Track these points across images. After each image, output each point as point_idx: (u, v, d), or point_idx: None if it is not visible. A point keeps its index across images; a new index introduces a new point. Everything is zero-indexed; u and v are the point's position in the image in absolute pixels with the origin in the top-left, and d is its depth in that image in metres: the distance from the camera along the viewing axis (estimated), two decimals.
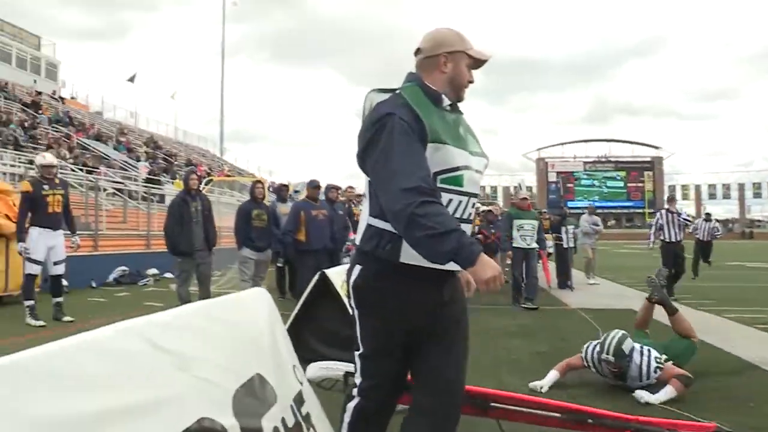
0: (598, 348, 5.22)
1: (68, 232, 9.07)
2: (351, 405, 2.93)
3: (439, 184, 2.61)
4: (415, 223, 2.41)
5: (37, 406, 1.76)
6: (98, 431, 1.95)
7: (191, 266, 9.48)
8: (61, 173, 12.07)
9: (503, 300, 10.49)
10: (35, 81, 42.89)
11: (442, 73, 2.76)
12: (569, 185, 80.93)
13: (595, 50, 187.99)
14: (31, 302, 8.60)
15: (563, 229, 14.12)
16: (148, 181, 23.10)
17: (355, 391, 2.88)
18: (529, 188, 74.80)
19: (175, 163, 37.03)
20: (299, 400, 3.58)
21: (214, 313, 3.22)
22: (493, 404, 4.11)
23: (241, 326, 3.34)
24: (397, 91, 2.75)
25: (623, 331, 5.26)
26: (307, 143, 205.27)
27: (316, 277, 6.50)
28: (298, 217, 9.43)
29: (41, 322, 8.49)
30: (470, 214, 2.77)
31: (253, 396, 3.03)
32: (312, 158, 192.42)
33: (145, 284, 14.35)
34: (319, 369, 4.39)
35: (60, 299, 8.99)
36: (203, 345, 2.83)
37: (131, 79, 53.28)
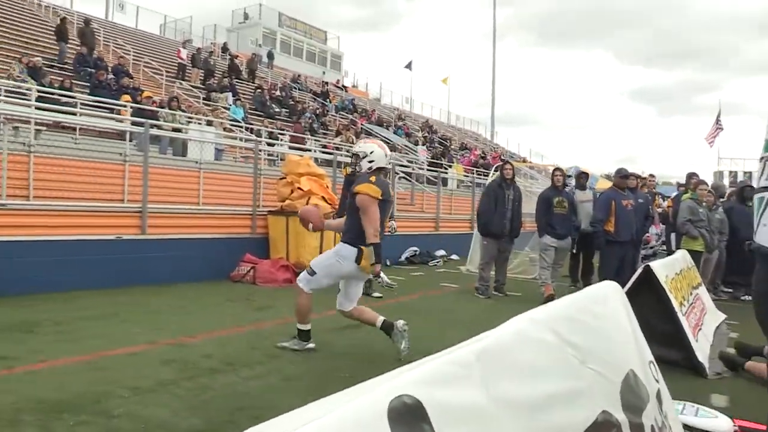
0: None
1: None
2: None
3: None
4: None
5: (503, 386, 1.88)
6: (542, 416, 2.04)
7: (495, 250, 9.90)
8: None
9: None
10: (323, 72, 46.24)
11: None
12: None
13: None
14: None
15: None
16: (431, 164, 23.96)
17: None
18: None
19: (451, 146, 37.93)
20: (659, 397, 3.47)
21: (588, 306, 3.20)
22: None
23: (609, 320, 3.28)
24: None
25: None
26: (576, 126, 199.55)
27: (640, 269, 6.34)
28: (609, 206, 9.20)
29: None
30: None
31: (632, 392, 2.97)
32: (582, 141, 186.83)
33: (435, 265, 14.88)
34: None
35: (370, 276, 9.55)
36: (590, 338, 2.81)
37: (408, 66, 55.62)
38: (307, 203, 10.59)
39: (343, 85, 46.17)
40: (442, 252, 15.83)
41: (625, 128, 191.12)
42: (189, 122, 15.56)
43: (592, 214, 9.61)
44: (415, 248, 15.13)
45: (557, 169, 10.56)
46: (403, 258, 14.71)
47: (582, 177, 11.71)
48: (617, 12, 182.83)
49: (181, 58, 26.20)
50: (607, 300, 3.58)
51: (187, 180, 11.58)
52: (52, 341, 5.75)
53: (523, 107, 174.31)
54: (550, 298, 9.47)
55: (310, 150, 17.68)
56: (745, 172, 50.26)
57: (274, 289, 9.72)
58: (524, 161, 41.92)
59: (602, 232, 9.22)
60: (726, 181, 34.78)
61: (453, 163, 29.11)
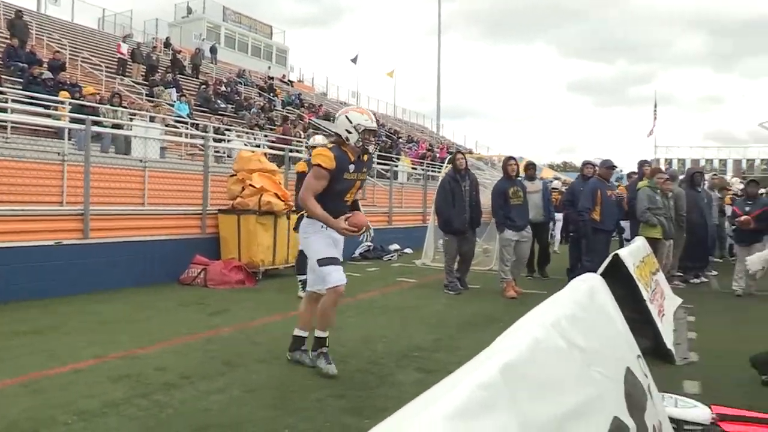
0: None
1: None
2: None
3: None
4: None
5: (530, 407, 1.71)
6: None
7: (456, 245, 9.67)
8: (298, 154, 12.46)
9: None
10: (269, 67, 45.52)
11: None
12: None
13: None
14: (304, 277, 8.89)
15: None
16: (380, 158, 23.68)
17: None
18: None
19: (399, 140, 37.74)
20: (650, 393, 3.28)
21: (582, 301, 2.98)
22: None
23: (600, 315, 3.08)
24: None
25: None
26: (519, 118, 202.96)
27: (609, 258, 6.19)
28: (596, 196, 9.12)
29: None
30: None
31: (633, 392, 2.81)
32: (524, 132, 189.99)
33: (389, 259, 14.59)
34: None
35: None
36: (590, 337, 2.60)
37: (354, 60, 55.14)
38: (259, 200, 10.22)
39: (289, 80, 45.62)
40: (396, 246, 15.56)
41: (565, 119, 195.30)
42: (132, 119, 14.98)
43: (580, 203, 9.44)
44: (369, 243, 14.80)
45: (510, 158, 10.00)
46: (356, 253, 14.36)
47: (530, 167, 11.55)
48: (557, 7, 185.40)
49: (122, 53, 25.37)
50: (594, 293, 3.35)
51: (132, 179, 11.09)
52: None
53: (467, 100, 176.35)
54: (513, 300, 9.20)
55: (259, 146, 17.22)
56: (679, 160, 51.73)
57: (228, 291, 9.34)
58: (470, 153, 41.99)
59: (589, 220, 9.13)
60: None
61: (401, 156, 28.90)
